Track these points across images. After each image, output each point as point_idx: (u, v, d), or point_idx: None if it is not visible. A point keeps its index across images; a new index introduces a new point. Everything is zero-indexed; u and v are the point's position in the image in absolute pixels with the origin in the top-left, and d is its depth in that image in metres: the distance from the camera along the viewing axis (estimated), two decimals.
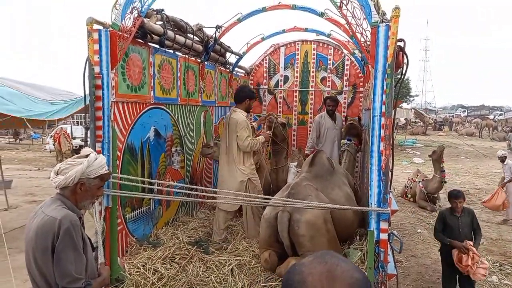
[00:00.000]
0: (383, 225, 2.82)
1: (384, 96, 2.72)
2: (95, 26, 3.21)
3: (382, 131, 2.75)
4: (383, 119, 2.74)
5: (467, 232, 4.12)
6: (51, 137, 16.67)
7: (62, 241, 1.90)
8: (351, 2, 2.79)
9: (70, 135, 14.82)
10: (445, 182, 8.54)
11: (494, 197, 7.60)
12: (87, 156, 2.14)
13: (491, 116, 38.94)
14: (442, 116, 44.63)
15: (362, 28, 2.85)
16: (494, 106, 56.54)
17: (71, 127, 17.65)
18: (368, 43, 2.90)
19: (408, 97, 38.13)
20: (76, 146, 15.19)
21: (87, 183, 2.09)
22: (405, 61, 2.77)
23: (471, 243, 4.00)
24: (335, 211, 3.81)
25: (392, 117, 2.77)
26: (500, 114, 43.58)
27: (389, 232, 2.84)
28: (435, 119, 36.23)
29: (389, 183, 2.82)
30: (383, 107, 2.74)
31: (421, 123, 32.35)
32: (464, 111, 53.18)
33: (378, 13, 2.77)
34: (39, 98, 8.29)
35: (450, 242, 4.07)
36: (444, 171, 8.50)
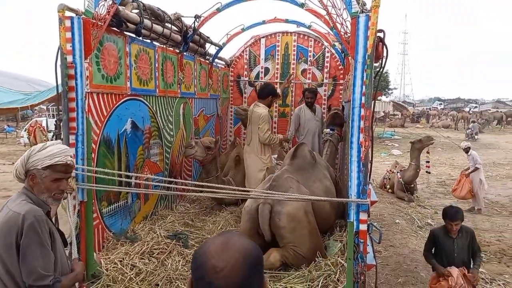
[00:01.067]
0: (363, 216, 2.83)
1: (364, 87, 2.70)
2: (67, 13, 3.09)
3: (362, 122, 2.74)
4: (362, 110, 2.74)
5: (464, 256, 3.42)
6: (25, 130, 16.17)
7: (26, 237, 1.81)
8: None
9: (45, 128, 14.42)
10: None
11: (459, 187, 7.77)
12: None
13: (467, 109, 39.99)
14: (420, 108, 45.51)
15: (342, 18, 2.82)
16: (469, 99, 58.10)
17: (47, 119, 17.16)
18: (348, 34, 2.88)
19: (387, 90, 38.71)
20: (52, 139, 14.76)
21: (37, 174, 1.97)
22: (385, 52, 2.76)
23: (466, 271, 3.34)
24: (316, 203, 3.81)
25: (372, 109, 2.76)
26: (475, 107, 44.84)
27: (368, 223, 2.85)
28: (413, 112, 36.91)
29: (368, 175, 2.82)
30: (363, 98, 2.73)
31: (399, 115, 32.93)
32: (441, 104, 54.41)
33: (358, 3, 2.74)
34: (11, 89, 8.02)
35: (434, 266, 3.49)
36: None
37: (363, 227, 2.84)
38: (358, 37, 2.69)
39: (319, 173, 4.45)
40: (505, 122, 29.87)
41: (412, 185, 8.58)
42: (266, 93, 4.90)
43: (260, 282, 0.97)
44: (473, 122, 23.71)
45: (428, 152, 9.07)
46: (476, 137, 21.27)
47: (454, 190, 8.01)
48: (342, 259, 3.42)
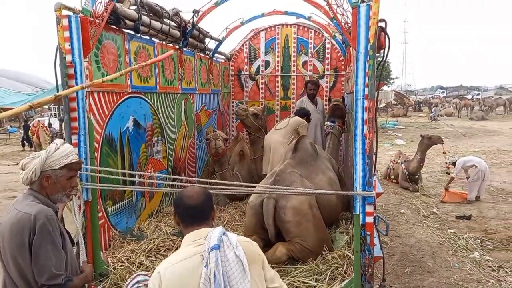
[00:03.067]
0: (369, 208, 2.81)
1: (366, 78, 2.67)
2: (65, 12, 3.05)
3: (366, 114, 2.71)
4: (366, 101, 2.70)
5: None
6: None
7: (39, 236, 1.84)
8: None
9: (48, 127, 14.42)
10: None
11: (449, 196, 7.55)
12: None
13: (469, 96, 39.72)
14: (422, 97, 45.25)
15: (343, 9, 2.78)
16: (472, 86, 57.65)
17: (49, 119, 17.16)
18: (349, 24, 2.84)
19: (388, 79, 38.47)
20: (55, 134, 14.83)
21: (53, 175, 2.01)
22: (387, 42, 2.72)
23: None
24: (320, 196, 3.80)
25: (375, 100, 2.73)
26: (478, 94, 44.52)
27: (374, 215, 2.83)
28: (415, 101, 36.69)
29: (373, 166, 2.80)
30: (366, 89, 2.69)
31: (400, 105, 32.74)
32: (443, 92, 54.02)
33: None
34: (13, 90, 8.01)
35: None
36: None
37: (369, 219, 2.82)
38: (359, 27, 2.65)
39: (321, 165, 4.43)
40: (508, 109, 29.64)
41: (417, 176, 8.55)
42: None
43: (211, 205, 1.84)
44: (435, 106, 28.35)
45: (444, 153, 9.05)
46: (438, 119, 24.76)
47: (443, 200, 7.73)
48: (349, 252, 3.40)
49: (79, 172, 3.01)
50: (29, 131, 15.50)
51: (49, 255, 1.85)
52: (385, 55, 2.73)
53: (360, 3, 2.66)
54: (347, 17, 2.76)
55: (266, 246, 3.55)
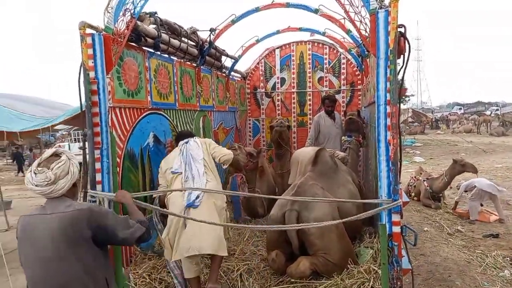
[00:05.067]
0: (395, 217, 2.72)
1: (388, 83, 2.64)
2: (88, 31, 3.14)
3: (388, 120, 2.67)
4: (388, 107, 2.67)
5: None
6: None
7: (104, 218, 2.04)
8: None
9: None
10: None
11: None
12: (57, 155, 2.09)
13: (488, 112, 39.00)
14: (439, 114, 44.67)
15: (361, 16, 2.79)
16: (490, 101, 56.64)
17: (69, 144, 17.53)
18: (368, 32, 2.84)
19: (404, 97, 38.19)
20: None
21: (76, 181, 2.13)
22: (407, 46, 2.70)
23: None
24: (342, 208, 3.71)
25: (398, 105, 2.69)
26: (497, 110, 43.63)
27: (402, 224, 2.74)
28: (433, 118, 36.24)
29: (398, 174, 2.73)
30: (388, 95, 2.66)
31: (417, 123, 32.36)
32: (460, 109, 53.22)
33: (376, 0, 2.71)
34: (35, 116, 8.22)
35: None
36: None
37: (396, 229, 2.73)
38: (378, 33, 2.65)
39: (342, 178, 4.36)
40: None
41: (440, 194, 8.35)
42: None
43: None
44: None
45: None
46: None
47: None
48: (375, 266, 3.29)
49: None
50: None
51: (121, 222, 2.11)
52: (406, 60, 2.70)
53: (378, 9, 2.67)
54: (366, 23, 2.76)
55: (289, 260, 3.47)
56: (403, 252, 2.84)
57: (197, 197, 3.22)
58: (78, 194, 2.20)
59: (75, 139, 20.57)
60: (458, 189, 7.77)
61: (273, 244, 3.60)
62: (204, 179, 3.36)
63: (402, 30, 2.67)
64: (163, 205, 3.50)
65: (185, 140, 3.66)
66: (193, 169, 3.40)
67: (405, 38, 2.65)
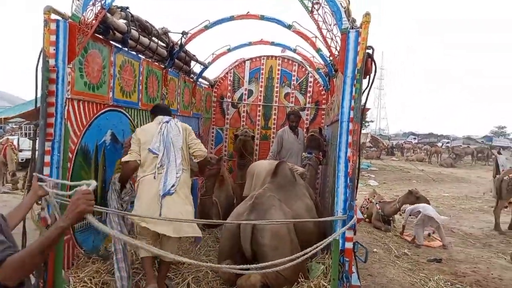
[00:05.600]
0: (349, 233, 2.76)
1: (352, 101, 2.71)
2: (53, 16, 3.00)
3: (350, 137, 2.73)
4: (351, 124, 2.73)
5: None
6: None
7: None
8: (323, 7, 2.80)
9: (16, 146, 13.84)
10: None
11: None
12: None
13: (439, 144, 41.25)
14: (395, 142, 46.66)
15: (333, 33, 2.86)
16: (442, 134, 60.09)
17: (18, 138, 16.51)
18: (337, 50, 2.91)
19: (364, 122, 39.63)
20: (22, 159, 14.31)
21: None
22: (373, 68, 2.79)
23: None
24: (298, 222, 3.72)
25: (360, 123, 2.76)
26: (448, 142, 46.34)
27: (354, 241, 2.78)
28: (389, 145, 37.78)
29: (355, 190, 2.78)
30: (351, 112, 2.73)
31: (375, 148, 33.59)
32: (415, 138, 55.99)
33: (349, 20, 2.79)
34: None
35: None
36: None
37: (348, 245, 2.77)
38: (348, 52, 2.72)
39: (299, 192, 4.39)
40: (476, 158, 30.90)
41: (391, 218, 8.63)
42: None
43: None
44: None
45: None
46: None
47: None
48: (325, 282, 3.30)
49: (46, 180, 2.82)
50: None
51: None
52: (372, 80, 2.79)
53: (350, 29, 2.75)
54: (336, 41, 2.83)
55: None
56: (353, 269, 2.87)
57: (173, 185, 3.27)
58: None
59: (25, 133, 19.46)
60: (404, 213, 8.06)
61: (225, 253, 3.54)
62: (180, 168, 3.37)
63: (370, 51, 2.77)
64: (125, 175, 3.50)
65: (166, 119, 3.54)
66: (170, 156, 3.37)
67: (372, 60, 2.75)
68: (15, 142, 14.19)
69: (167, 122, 3.51)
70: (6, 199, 9.61)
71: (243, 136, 5.60)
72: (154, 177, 3.28)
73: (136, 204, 3.35)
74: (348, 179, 2.72)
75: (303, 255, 2.42)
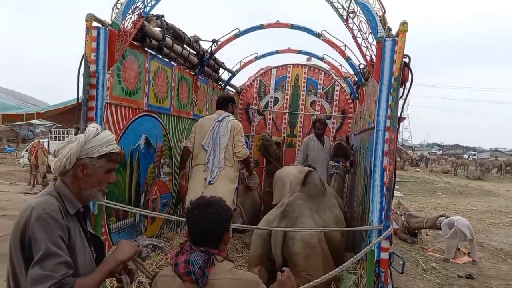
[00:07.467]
0: (385, 243, 2.72)
1: (389, 110, 2.69)
2: (94, 24, 3.12)
3: (386, 146, 2.70)
4: (387, 133, 2.70)
5: None
6: (26, 151, 16.02)
7: (31, 231, 1.48)
8: (358, 16, 2.80)
9: (47, 149, 14.29)
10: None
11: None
12: None
13: (466, 156, 40.16)
14: (419, 153, 45.73)
15: (368, 42, 2.85)
16: (468, 146, 58.52)
17: (48, 141, 17.09)
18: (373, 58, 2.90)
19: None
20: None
21: (90, 164, 1.64)
22: (410, 77, 2.76)
23: None
24: (327, 232, 3.69)
25: (397, 133, 2.73)
26: (474, 155, 45.06)
27: (390, 251, 2.74)
28: (412, 155, 37.05)
29: (391, 200, 2.74)
30: (388, 121, 2.70)
31: (398, 158, 33.01)
32: (440, 149, 54.71)
33: (384, 29, 2.78)
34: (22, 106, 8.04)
35: None
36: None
37: (384, 255, 2.72)
38: (384, 61, 2.71)
39: (328, 202, 4.35)
40: (504, 171, 29.88)
41: (416, 231, 8.43)
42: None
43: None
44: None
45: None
46: None
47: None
48: None
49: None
50: (28, 151, 15.34)
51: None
52: (408, 89, 2.77)
53: (386, 38, 2.74)
54: (372, 50, 2.82)
55: (271, 278, 3.40)
56: (389, 279, 2.82)
57: (214, 177, 3.97)
58: (90, 187, 1.70)
59: (55, 136, 20.09)
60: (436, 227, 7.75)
61: (256, 260, 3.53)
62: (222, 164, 3.99)
63: (406, 60, 2.74)
64: (183, 157, 4.40)
65: (220, 118, 4.06)
66: (216, 153, 3.98)
67: (409, 69, 2.72)
68: (45, 145, 14.67)
69: (220, 121, 4.02)
70: None
71: (262, 140, 5.61)
72: (204, 170, 3.98)
73: (189, 187, 4.20)
74: (385, 188, 2.68)
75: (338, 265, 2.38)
